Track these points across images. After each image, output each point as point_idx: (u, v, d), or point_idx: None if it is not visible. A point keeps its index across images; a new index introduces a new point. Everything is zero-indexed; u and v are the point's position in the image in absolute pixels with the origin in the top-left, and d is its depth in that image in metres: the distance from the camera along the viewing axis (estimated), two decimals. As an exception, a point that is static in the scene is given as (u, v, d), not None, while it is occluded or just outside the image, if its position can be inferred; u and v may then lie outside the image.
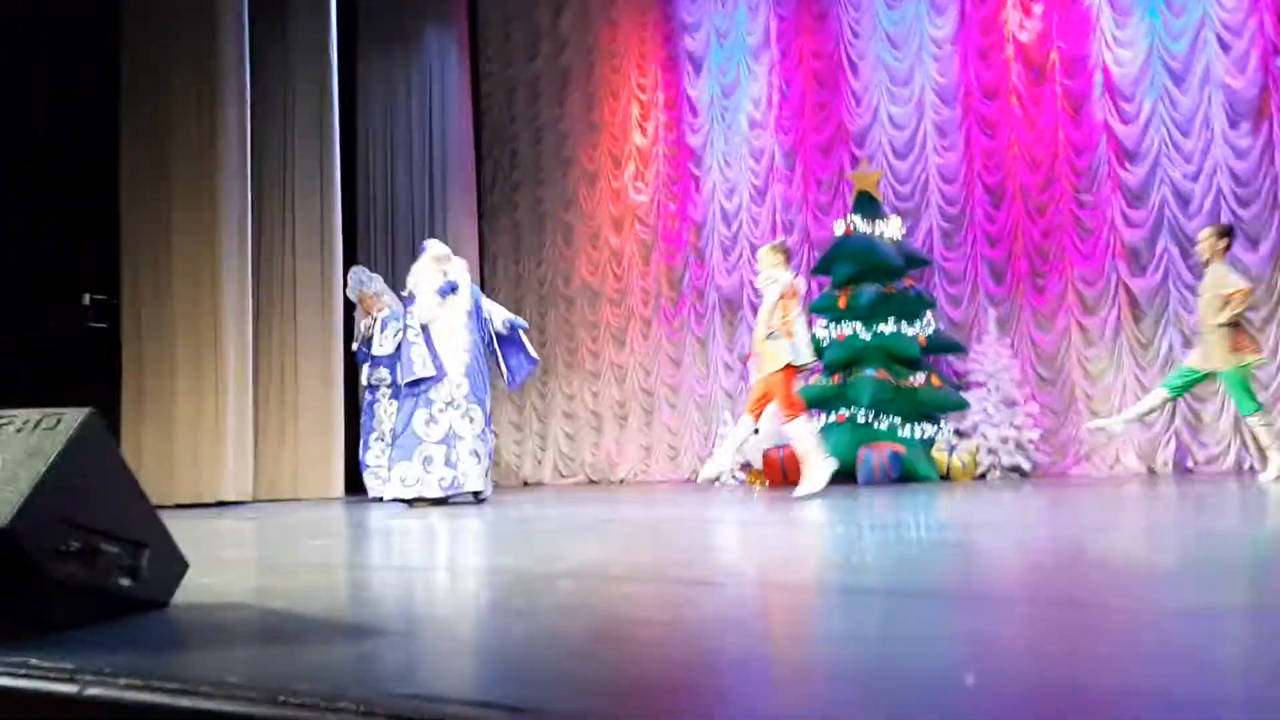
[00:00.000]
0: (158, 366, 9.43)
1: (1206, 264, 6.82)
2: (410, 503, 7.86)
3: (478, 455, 7.95)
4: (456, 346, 8.14)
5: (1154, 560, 3.37)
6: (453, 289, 8.27)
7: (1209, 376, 6.83)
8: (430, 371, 8.11)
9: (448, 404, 8.01)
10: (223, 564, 4.05)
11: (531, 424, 12.18)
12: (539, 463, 12.17)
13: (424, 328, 8.23)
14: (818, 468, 6.86)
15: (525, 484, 12.07)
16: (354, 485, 10.93)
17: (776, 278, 7.10)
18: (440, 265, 8.37)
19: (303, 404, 10.50)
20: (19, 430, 2.90)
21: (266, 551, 5.10)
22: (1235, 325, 6.63)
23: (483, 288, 12.21)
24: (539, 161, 12.23)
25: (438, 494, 7.74)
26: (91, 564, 2.83)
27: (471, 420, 8.01)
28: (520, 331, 8.48)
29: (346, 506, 9.05)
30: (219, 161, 9.55)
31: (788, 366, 6.99)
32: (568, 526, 5.69)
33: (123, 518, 2.94)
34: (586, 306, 11.83)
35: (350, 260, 11.57)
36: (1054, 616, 2.29)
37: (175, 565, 3.17)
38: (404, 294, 8.71)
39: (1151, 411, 7.30)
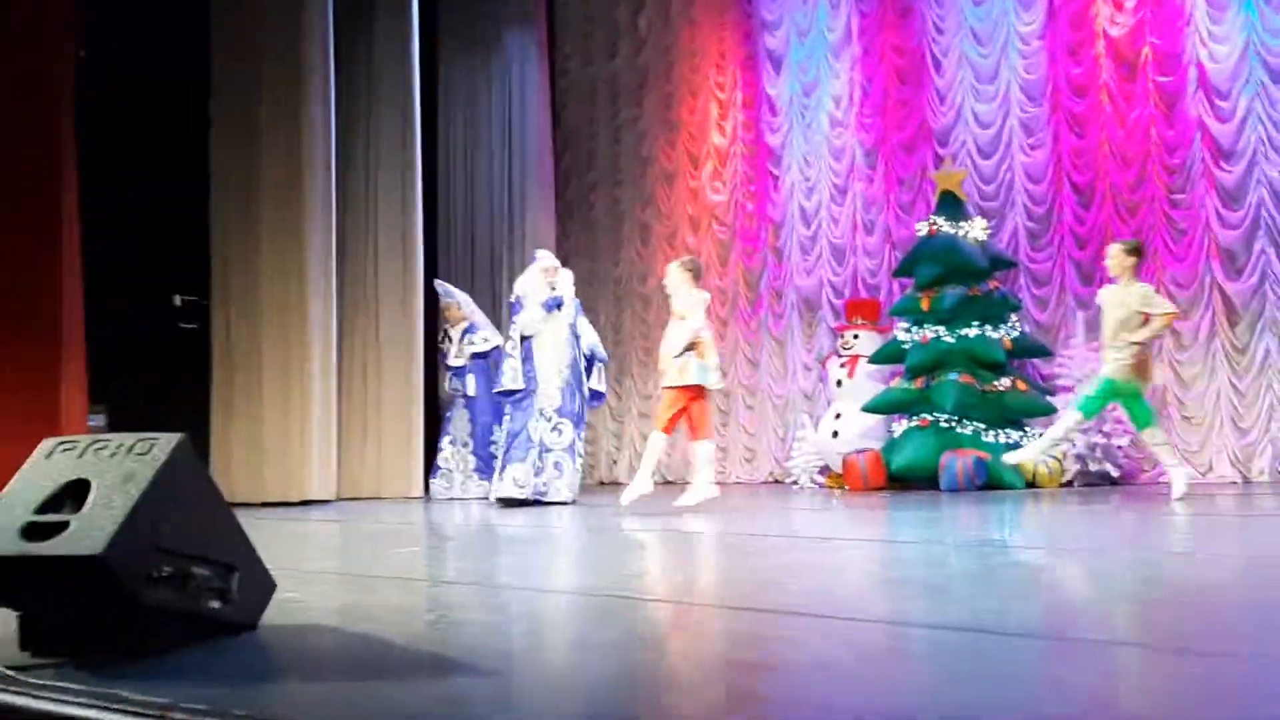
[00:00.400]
0: (247, 365, 9.60)
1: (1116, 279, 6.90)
2: (505, 503, 8.15)
3: (561, 468, 8.24)
4: (555, 361, 8.34)
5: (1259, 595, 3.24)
6: (557, 305, 8.46)
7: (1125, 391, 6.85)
8: (519, 385, 8.37)
9: (540, 414, 8.27)
10: (309, 578, 4.11)
11: (606, 423, 12.19)
12: (615, 463, 12.19)
13: (524, 339, 8.45)
14: (702, 489, 7.26)
15: (601, 484, 12.09)
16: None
17: (697, 297, 7.32)
18: (548, 277, 8.59)
19: (386, 404, 10.63)
20: (113, 455, 2.96)
21: (351, 562, 5.17)
22: (1145, 346, 6.80)
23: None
24: (617, 161, 12.22)
25: (526, 496, 8.11)
26: (183, 588, 2.88)
27: (560, 433, 8.26)
28: (598, 365, 8.70)
29: (427, 507, 9.17)
30: (305, 162, 9.69)
31: (700, 387, 7.22)
32: (653, 540, 5.68)
33: (213, 541, 2.99)
34: (662, 306, 11.75)
35: (431, 260, 11.72)
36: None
37: (263, 586, 3.22)
38: (512, 300, 8.91)
39: (1066, 438, 7.51)
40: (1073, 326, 9.11)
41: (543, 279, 8.52)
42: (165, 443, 2.96)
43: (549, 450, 8.23)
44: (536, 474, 8.16)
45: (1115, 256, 6.89)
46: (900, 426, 9.06)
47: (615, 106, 12.25)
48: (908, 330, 9.02)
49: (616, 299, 12.11)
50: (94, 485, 2.92)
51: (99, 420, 9.50)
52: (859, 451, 9.09)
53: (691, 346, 7.14)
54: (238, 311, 9.76)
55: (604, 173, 12.29)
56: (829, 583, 3.73)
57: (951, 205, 9.17)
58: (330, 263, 9.90)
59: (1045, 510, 6.78)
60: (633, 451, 11.97)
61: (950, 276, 8.88)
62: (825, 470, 9.75)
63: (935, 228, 9.01)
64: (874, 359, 9.45)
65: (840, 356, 9.80)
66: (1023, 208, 9.54)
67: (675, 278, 7.43)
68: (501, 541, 5.98)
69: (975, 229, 9.03)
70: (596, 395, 8.78)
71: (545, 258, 8.76)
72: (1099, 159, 9.15)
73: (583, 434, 8.67)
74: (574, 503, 8.29)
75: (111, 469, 2.94)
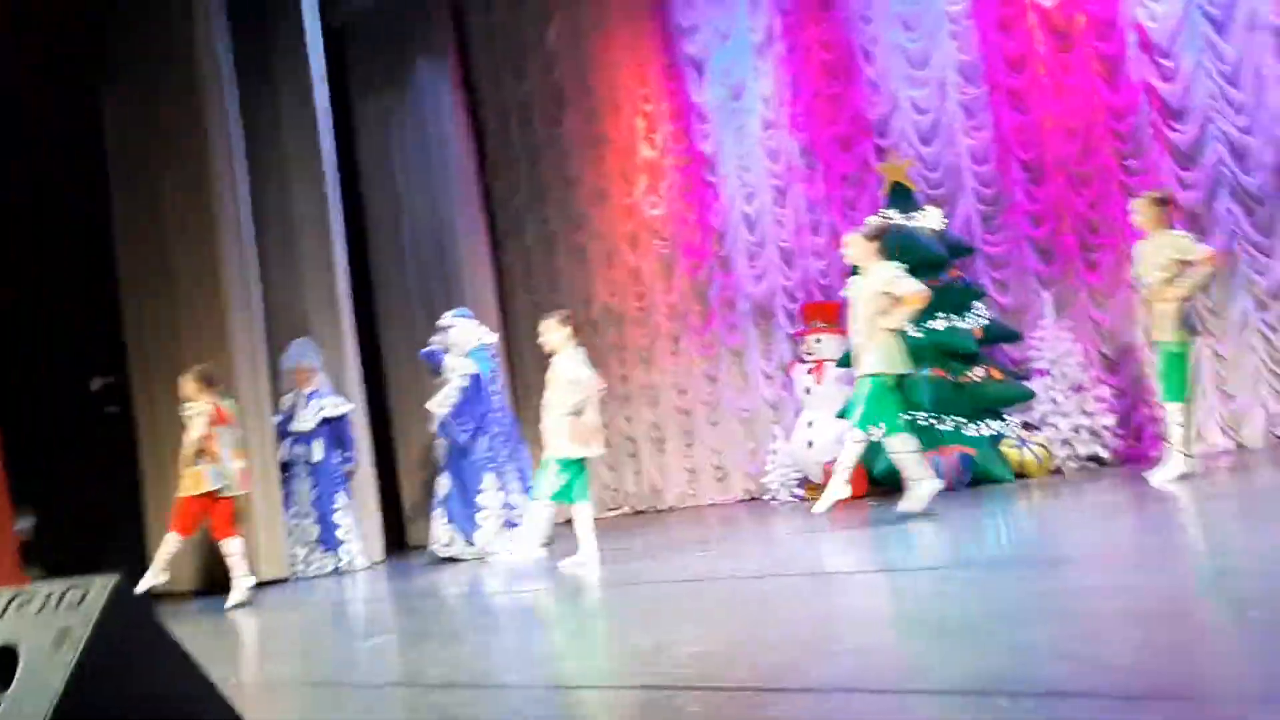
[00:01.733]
0: (177, 445, 8.95)
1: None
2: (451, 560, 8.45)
3: (493, 519, 8.61)
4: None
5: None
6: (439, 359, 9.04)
7: None
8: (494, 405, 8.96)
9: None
10: (272, 690, 3.58)
11: (567, 458, 11.69)
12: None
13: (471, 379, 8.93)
14: (241, 587, 7.37)
15: (569, 522, 11.57)
16: (394, 547, 10.47)
17: (200, 409, 7.41)
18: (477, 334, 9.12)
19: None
20: (40, 610, 2.44)
21: (315, 667, 4.60)
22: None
23: (503, 320, 11.78)
24: (542, 183, 11.75)
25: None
26: (141, 767, 2.37)
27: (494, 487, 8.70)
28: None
29: (378, 578, 8.59)
30: (219, 241, 9.08)
31: (214, 494, 7.38)
32: (648, 597, 5.19)
33: (174, 700, 2.47)
34: (610, 329, 11.34)
35: (366, 315, 11.14)
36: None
37: (236, 733, 2.70)
38: (436, 346, 9.21)
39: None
40: (1039, 308, 8.83)
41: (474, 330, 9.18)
42: (99, 589, 2.44)
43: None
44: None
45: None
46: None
47: (534, 128, 11.79)
48: (873, 330, 8.65)
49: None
50: (22, 652, 2.40)
51: (26, 524, 8.82)
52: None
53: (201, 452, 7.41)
54: (162, 389, 9.12)
55: (531, 197, 11.81)
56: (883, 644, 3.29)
57: (902, 196, 8.86)
58: (256, 326, 9.27)
59: (1049, 505, 6.45)
60: (598, 484, 11.46)
61: (909, 270, 8.52)
62: (804, 482, 9.37)
63: (888, 221, 8.66)
64: (842, 362, 9.08)
65: (805, 363, 9.43)
66: (972, 191, 9.26)
67: (188, 397, 7.59)
68: (482, 615, 5.48)
69: (930, 218, 8.72)
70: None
71: (449, 319, 9.22)
72: (1044, 133, 8.89)
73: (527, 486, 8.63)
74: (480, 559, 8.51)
75: (40, 629, 2.42)
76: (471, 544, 8.65)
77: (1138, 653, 2.57)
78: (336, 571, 9.18)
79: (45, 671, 2.27)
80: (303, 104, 10.36)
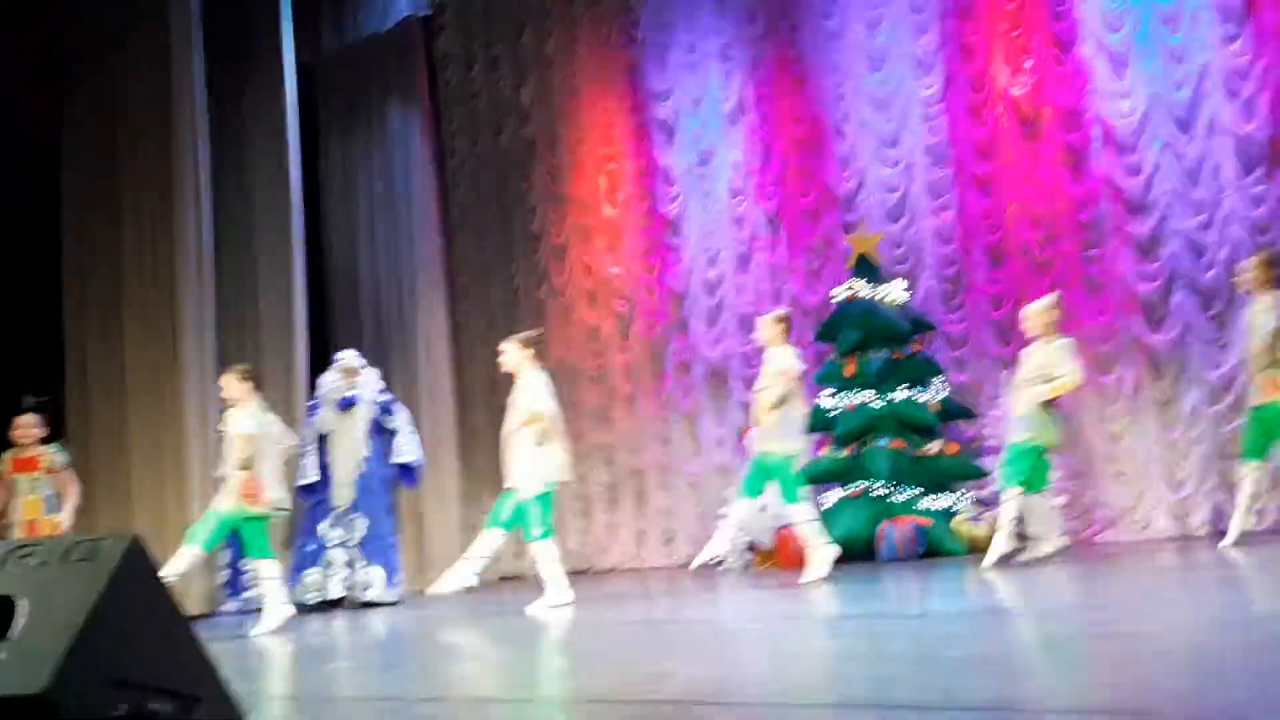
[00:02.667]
0: (112, 471, 8.72)
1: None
2: (313, 608, 8.44)
3: (355, 566, 8.67)
4: (350, 458, 8.90)
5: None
6: (350, 403, 9.04)
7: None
8: (315, 477, 8.94)
9: (331, 514, 8.83)
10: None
11: (510, 513, 11.51)
12: (516, 556, 11.48)
13: (320, 437, 9.02)
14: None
15: (503, 579, 11.37)
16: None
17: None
18: (349, 378, 9.14)
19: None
20: (43, 564, 2.30)
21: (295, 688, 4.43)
22: None
23: (458, 373, 11.66)
24: (509, 239, 11.74)
25: (323, 599, 8.56)
26: (140, 731, 2.23)
27: (352, 529, 8.75)
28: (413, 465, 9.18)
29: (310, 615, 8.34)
30: (176, 267, 8.98)
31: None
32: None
33: (173, 666, 2.33)
34: (565, 386, 11.23)
35: (319, 356, 10.98)
36: None
37: (231, 716, 2.57)
38: (310, 402, 9.38)
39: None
40: (993, 387, 8.97)
41: (342, 379, 9.12)
42: (113, 547, 2.33)
43: (341, 546, 8.67)
44: (330, 575, 8.65)
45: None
46: (831, 497, 8.71)
47: (504, 183, 11.81)
48: (832, 397, 8.73)
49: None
50: (20, 604, 2.26)
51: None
52: (792, 525, 8.68)
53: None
54: (99, 412, 8.90)
55: (496, 252, 11.79)
56: None
57: (868, 269, 9.00)
58: (208, 361, 9.06)
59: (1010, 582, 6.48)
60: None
61: (872, 341, 8.67)
62: (753, 548, 9.31)
63: (854, 292, 8.80)
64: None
65: (762, 428, 9.42)
66: (935, 270, 9.43)
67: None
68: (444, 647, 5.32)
69: (894, 291, 8.86)
70: (407, 473, 9.18)
71: (348, 358, 9.24)
72: (1008, 218, 9.11)
73: (393, 528, 9.05)
74: (397, 603, 8.60)
75: (42, 582, 2.29)
76: (394, 586, 8.76)
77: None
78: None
79: (51, 627, 2.14)
80: (273, 138, 10.32)
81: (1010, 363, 8.90)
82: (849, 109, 9.92)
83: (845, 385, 8.68)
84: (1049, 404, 6.81)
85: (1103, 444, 8.48)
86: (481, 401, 11.74)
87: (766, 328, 7.21)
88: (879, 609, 5.15)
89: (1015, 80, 9.07)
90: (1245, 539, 6.47)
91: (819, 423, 8.91)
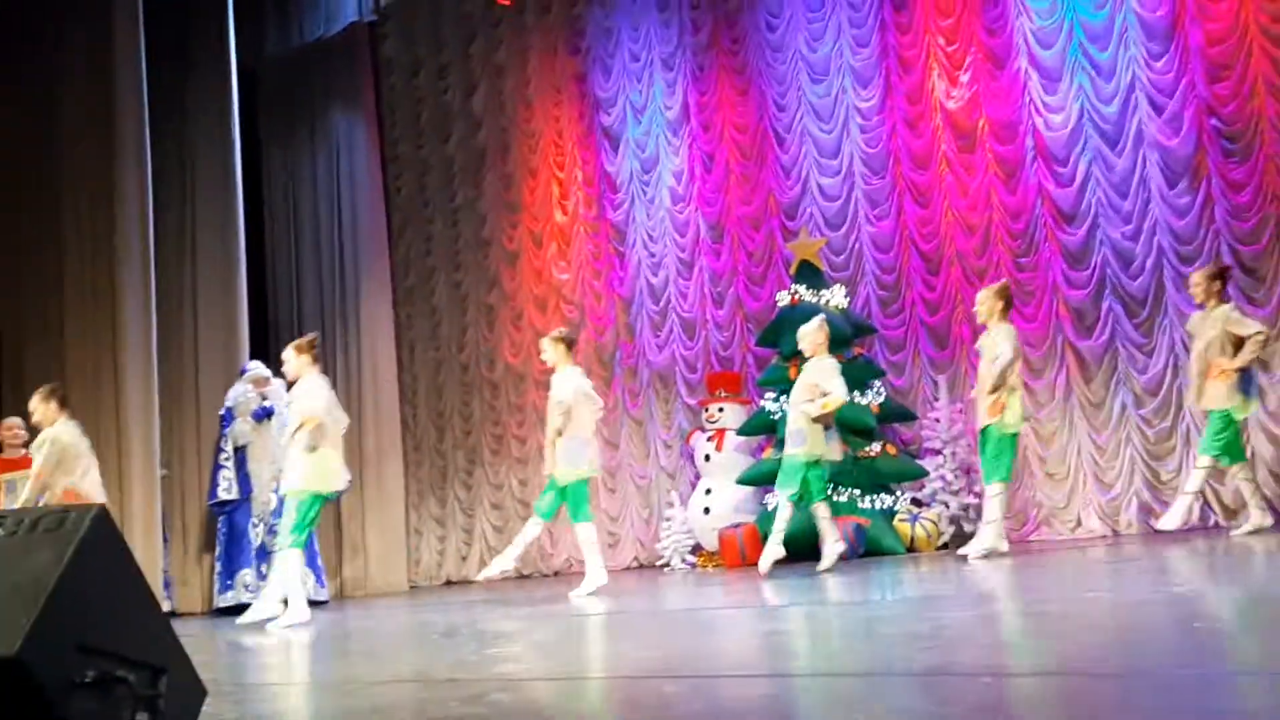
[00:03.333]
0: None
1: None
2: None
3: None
4: (269, 468, 8.94)
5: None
6: (267, 414, 9.18)
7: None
8: (234, 495, 9.16)
9: (257, 520, 9.06)
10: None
11: (455, 518, 11.56)
12: (464, 559, 11.52)
13: (237, 450, 9.19)
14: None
15: (449, 583, 11.40)
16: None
17: None
18: (259, 388, 9.25)
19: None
20: (12, 534, 2.35)
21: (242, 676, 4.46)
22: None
23: (400, 375, 11.70)
24: (456, 244, 11.80)
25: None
26: (108, 697, 2.29)
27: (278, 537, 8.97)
28: None
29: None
30: (116, 270, 8.90)
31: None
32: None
33: (139, 636, 2.40)
34: (512, 390, 11.36)
35: (261, 353, 10.96)
36: None
37: (194, 693, 2.62)
38: (221, 412, 9.45)
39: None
40: (928, 390, 9.20)
41: (253, 390, 9.28)
42: (79, 516, 2.39)
43: (270, 553, 8.56)
44: (262, 578, 8.63)
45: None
46: (774, 498, 8.84)
47: (452, 189, 11.87)
48: (776, 400, 8.89)
49: (463, 385, 11.60)
50: (-13, 570, 2.31)
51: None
52: (734, 526, 8.85)
53: None
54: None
55: (444, 257, 11.84)
56: None
57: (810, 274, 9.18)
58: (151, 365, 9.00)
59: (952, 578, 6.66)
60: (484, 546, 11.35)
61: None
62: (697, 549, 9.45)
63: (797, 297, 8.98)
64: (743, 431, 9.29)
65: (705, 431, 9.58)
66: (873, 277, 9.64)
67: None
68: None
69: (835, 296, 9.05)
70: None
71: (256, 368, 9.40)
72: (944, 227, 9.35)
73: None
74: (326, 602, 8.98)
75: (11, 550, 2.34)
76: (323, 586, 9.14)
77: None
78: None
79: (20, 593, 2.20)
80: (215, 140, 10.33)
81: (945, 367, 9.17)
82: (791, 119, 10.12)
83: (788, 388, 8.81)
84: (818, 419, 7.14)
85: (1035, 445, 8.72)
86: (425, 404, 11.78)
87: (549, 349, 7.35)
88: (819, 599, 5.29)
89: (951, 93, 9.33)
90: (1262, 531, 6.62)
91: (763, 425, 9.08)
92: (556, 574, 10.81)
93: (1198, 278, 6.93)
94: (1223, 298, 6.82)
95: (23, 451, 7.94)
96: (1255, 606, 3.45)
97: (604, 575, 7.10)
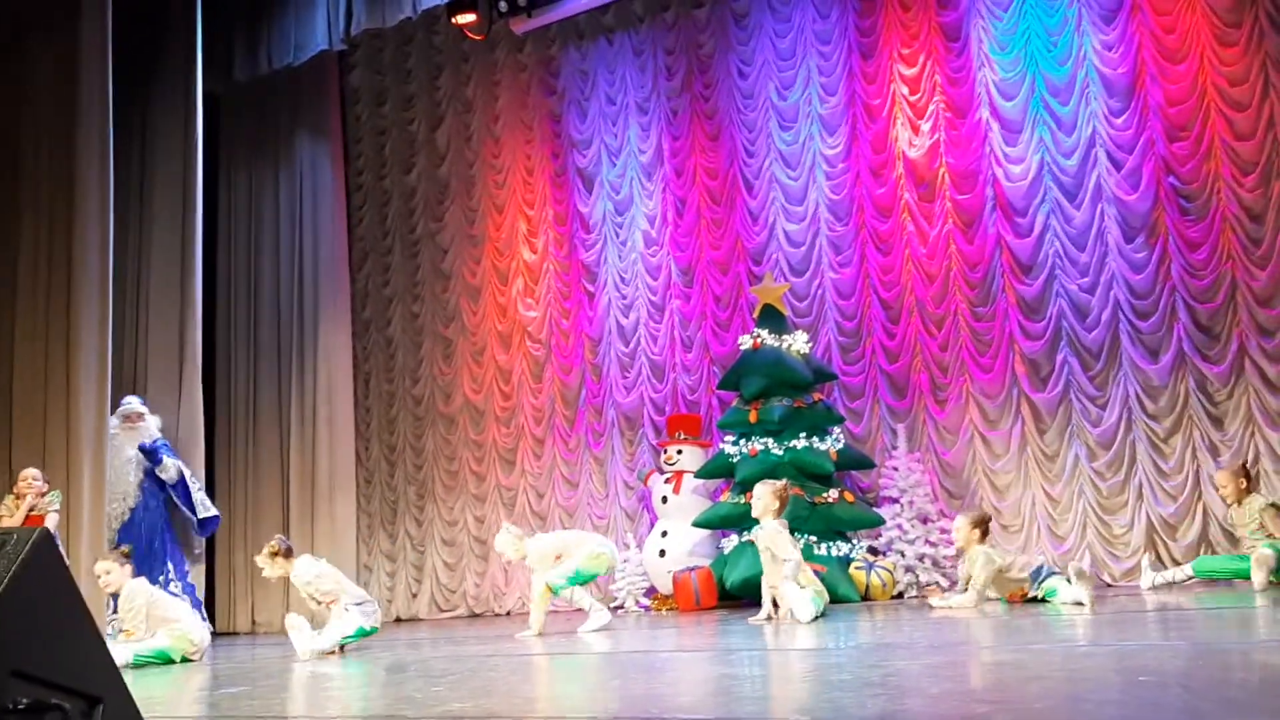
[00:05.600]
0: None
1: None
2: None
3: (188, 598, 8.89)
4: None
5: None
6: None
7: None
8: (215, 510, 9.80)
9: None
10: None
11: (406, 554, 11.42)
12: (414, 596, 11.38)
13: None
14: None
15: (398, 620, 11.24)
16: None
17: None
18: (131, 424, 9.42)
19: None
20: (-51, 554, 2.30)
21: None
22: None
23: (355, 407, 11.62)
24: (415, 275, 11.76)
25: None
26: (40, 727, 2.23)
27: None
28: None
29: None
30: (74, 293, 8.84)
31: None
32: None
33: (77, 664, 2.34)
34: (470, 426, 11.29)
35: (212, 384, 10.91)
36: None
37: (131, 722, 2.56)
38: (149, 447, 9.48)
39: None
40: (886, 439, 9.25)
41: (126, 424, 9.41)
42: (22, 538, 2.34)
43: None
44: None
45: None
46: (730, 542, 8.85)
47: (413, 220, 11.85)
48: (735, 443, 8.89)
49: (416, 419, 11.51)
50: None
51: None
52: (689, 569, 8.81)
53: None
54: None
55: (401, 288, 11.80)
56: None
57: (774, 318, 9.22)
58: (102, 384, 8.87)
59: (909, 628, 6.66)
60: (433, 583, 11.23)
61: (775, 389, 8.85)
62: (651, 592, 9.39)
63: (759, 341, 9.01)
64: (701, 473, 9.27)
65: (663, 473, 9.56)
66: (834, 323, 9.71)
67: None
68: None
69: (798, 341, 9.09)
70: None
71: (127, 405, 9.47)
72: (904, 275, 9.44)
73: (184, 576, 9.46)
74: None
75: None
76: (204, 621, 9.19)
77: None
78: None
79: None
80: (178, 164, 10.32)
81: (904, 416, 9.22)
82: (759, 165, 10.21)
83: (748, 431, 8.85)
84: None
85: (990, 496, 8.77)
86: (379, 437, 11.69)
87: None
88: (773, 644, 5.27)
89: (913, 142, 9.46)
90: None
91: (721, 469, 9.07)
92: (509, 613, 10.70)
93: (1224, 478, 7.28)
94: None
95: (45, 500, 8.02)
96: (1198, 662, 3.47)
97: (539, 626, 6.93)
